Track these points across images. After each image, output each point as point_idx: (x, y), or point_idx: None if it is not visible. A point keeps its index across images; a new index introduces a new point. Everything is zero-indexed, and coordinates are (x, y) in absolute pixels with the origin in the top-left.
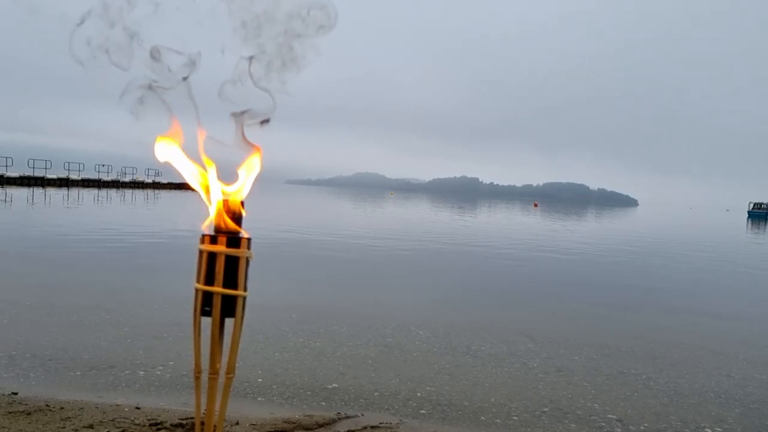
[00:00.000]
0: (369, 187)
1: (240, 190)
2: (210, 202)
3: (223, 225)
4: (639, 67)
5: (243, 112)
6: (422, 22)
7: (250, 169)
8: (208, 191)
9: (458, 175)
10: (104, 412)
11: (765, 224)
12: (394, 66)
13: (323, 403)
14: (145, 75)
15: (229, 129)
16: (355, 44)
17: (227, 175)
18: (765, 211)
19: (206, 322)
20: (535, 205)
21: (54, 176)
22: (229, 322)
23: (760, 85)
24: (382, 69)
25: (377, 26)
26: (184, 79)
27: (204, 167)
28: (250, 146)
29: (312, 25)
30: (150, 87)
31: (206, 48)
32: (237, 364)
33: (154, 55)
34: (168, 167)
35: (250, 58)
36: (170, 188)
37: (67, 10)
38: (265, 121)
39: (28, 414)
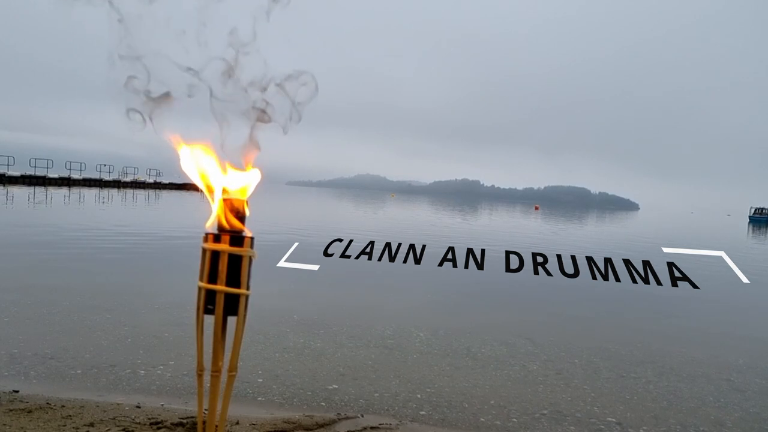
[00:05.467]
0: (370, 189)
1: (244, 189)
2: (214, 201)
3: (226, 224)
4: (640, 69)
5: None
6: (424, 21)
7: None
8: (211, 191)
9: (459, 177)
10: (105, 411)
11: (766, 229)
12: (396, 67)
13: (323, 404)
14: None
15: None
16: (356, 45)
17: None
18: (766, 216)
19: (209, 320)
20: (536, 209)
21: (55, 175)
22: (231, 321)
23: (762, 88)
24: (383, 70)
25: (378, 26)
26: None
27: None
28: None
29: None
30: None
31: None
32: (238, 364)
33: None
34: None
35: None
36: (171, 188)
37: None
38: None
39: (29, 412)
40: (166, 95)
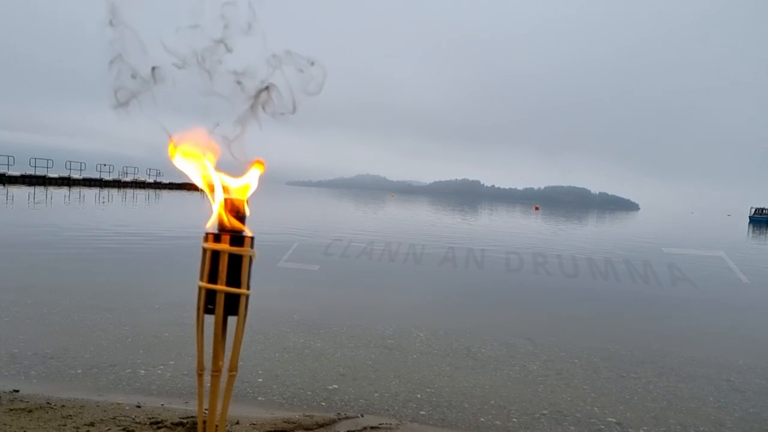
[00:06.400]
0: (370, 189)
1: (245, 189)
2: (214, 201)
3: (227, 223)
4: (640, 69)
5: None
6: (424, 21)
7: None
8: (212, 190)
9: (459, 177)
10: (105, 411)
11: (766, 230)
12: (396, 67)
13: (323, 404)
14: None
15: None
16: (356, 45)
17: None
18: (766, 216)
19: (209, 320)
20: (537, 209)
21: (55, 175)
22: (231, 321)
23: (762, 88)
24: (383, 70)
25: (378, 26)
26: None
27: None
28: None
29: None
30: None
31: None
32: (238, 364)
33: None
34: (175, 166)
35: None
36: (171, 188)
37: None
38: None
39: (30, 411)
40: (156, 74)
